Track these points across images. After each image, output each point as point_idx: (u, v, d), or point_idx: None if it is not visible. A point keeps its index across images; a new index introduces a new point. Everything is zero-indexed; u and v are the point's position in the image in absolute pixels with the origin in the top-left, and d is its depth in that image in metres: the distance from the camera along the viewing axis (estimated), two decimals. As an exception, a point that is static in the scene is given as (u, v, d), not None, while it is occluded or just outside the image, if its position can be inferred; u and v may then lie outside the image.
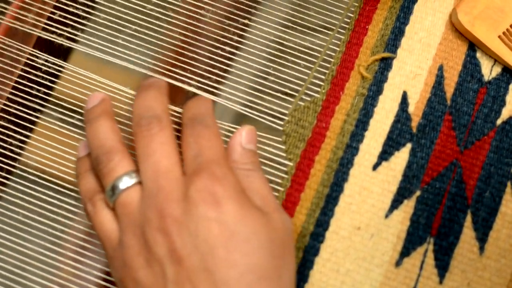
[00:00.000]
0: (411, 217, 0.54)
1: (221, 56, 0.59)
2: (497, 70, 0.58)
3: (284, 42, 0.59)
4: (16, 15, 0.59)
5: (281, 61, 0.59)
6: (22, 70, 0.58)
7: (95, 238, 0.52)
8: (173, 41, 0.59)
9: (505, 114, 0.57)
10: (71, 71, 0.58)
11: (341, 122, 0.56)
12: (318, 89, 0.57)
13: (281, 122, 0.56)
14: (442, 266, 0.53)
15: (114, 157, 0.48)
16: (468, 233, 0.54)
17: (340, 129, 0.56)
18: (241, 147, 0.50)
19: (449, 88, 0.57)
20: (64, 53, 0.59)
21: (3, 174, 0.57)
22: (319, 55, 0.58)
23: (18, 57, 0.59)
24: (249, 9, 0.60)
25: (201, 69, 0.58)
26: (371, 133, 0.56)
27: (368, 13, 0.59)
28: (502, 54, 0.57)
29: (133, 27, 0.59)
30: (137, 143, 0.48)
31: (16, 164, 0.57)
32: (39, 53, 0.59)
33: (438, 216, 0.54)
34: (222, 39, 0.59)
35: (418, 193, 0.55)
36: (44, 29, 0.59)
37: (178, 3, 0.60)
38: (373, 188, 0.55)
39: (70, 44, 0.59)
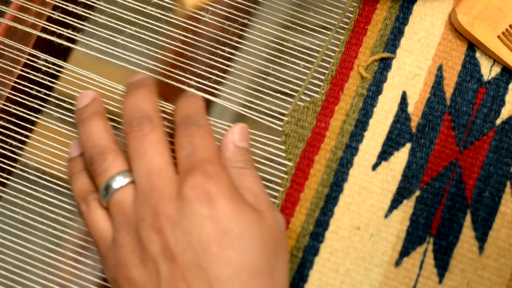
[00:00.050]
0: (411, 217, 0.54)
1: (221, 56, 0.59)
2: (496, 70, 0.58)
3: (284, 42, 0.59)
4: (16, 15, 0.59)
5: (280, 61, 0.59)
6: (21, 70, 0.58)
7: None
8: (172, 42, 0.59)
9: (504, 114, 0.57)
10: (70, 71, 0.58)
11: (341, 122, 0.56)
12: (318, 89, 0.57)
13: (281, 123, 0.56)
14: (442, 266, 0.53)
15: (108, 157, 0.49)
16: (467, 232, 0.54)
17: (340, 129, 0.56)
18: (233, 145, 0.51)
19: (449, 88, 0.57)
20: (64, 52, 0.60)
21: (3, 174, 0.57)
22: (318, 55, 0.58)
23: (17, 57, 0.59)
24: (249, 10, 0.60)
25: (200, 70, 0.58)
26: (370, 133, 0.56)
27: (367, 14, 0.59)
28: (501, 54, 0.57)
29: (133, 28, 0.59)
30: (129, 143, 0.48)
31: (16, 164, 0.57)
32: (38, 53, 0.59)
33: (438, 216, 0.54)
34: (221, 39, 0.59)
35: (417, 193, 0.55)
36: (43, 29, 0.59)
37: (178, 3, 0.60)
38: (372, 188, 0.55)
39: (70, 44, 0.59)
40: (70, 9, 0.60)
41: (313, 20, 0.60)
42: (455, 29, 0.59)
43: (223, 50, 0.59)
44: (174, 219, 0.45)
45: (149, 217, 0.45)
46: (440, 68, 0.58)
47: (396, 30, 0.59)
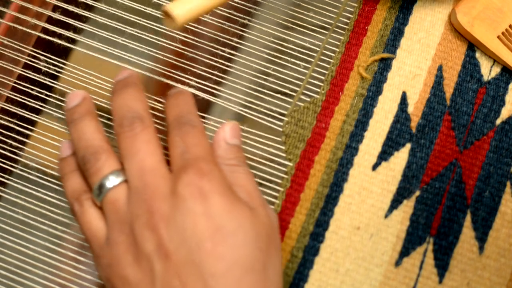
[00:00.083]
0: (411, 217, 0.54)
1: (221, 57, 0.59)
2: (496, 70, 0.58)
3: (284, 43, 0.59)
4: (16, 15, 0.59)
5: (280, 61, 0.59)
6: (22, 70, 0.58)
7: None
8: (173, 42, 0.59)
9: (504, 114, 0.57)
10: (71, 71, 0.58)
11: (341, 123, 0.56)
12: (318, 90, 0.57)
13: (281, 123, 0.56)
14: (442, 266, 0.53)
15: (101, 157, 0.49)
16: (467, 232, 0.54)
17: (340, 129, 0.56)
18: (225, 142, 0.51)
19: (449, 88, 0.57)
20: (64, 52, 0.60)
21: (4, 174, 0.57)
22: (319, 55, 0.58)
23: (18, 58, 0.59)
24: (249, 10, 0.60)
25: (200, 70, 0.58)
26: (370, 134, 0.56)
27: (367, 14, 0.59)
28: (501, 54, 0.57)
29: (133, 28, 0.59)
30: (121, 143, 0.48)
31: (16, 165, 0.57)
32: (39, 53, 0.59)
33: (438, 216, 0.54)
34: (221, 39, 0.59)
35: (417, 193, 0.55)
36: (43, 30, 0.59)
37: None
38: (372, 188, 0.55)
39: (70, 45, 0.59)
40: (70, 9, 0.60)
41: (313, 20, 0.60)
42: (455, 29, 0.59)
43: (223, 51, 0.59)
44: (168, 216, 0.45)
45: (143, 215, 0.46)
46: (440, 68, 0.58)
47: (396, 30, 0.59)
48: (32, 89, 0.58)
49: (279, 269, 0.48)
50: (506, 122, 0.57)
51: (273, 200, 0.55)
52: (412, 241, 0.54)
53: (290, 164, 0.55)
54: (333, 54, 0.58)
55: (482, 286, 0.53)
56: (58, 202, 0.55)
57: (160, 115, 0.55)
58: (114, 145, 0.50)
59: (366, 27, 0.59)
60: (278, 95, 0.58)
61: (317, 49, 0.59)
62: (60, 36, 0.59)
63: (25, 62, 0.59)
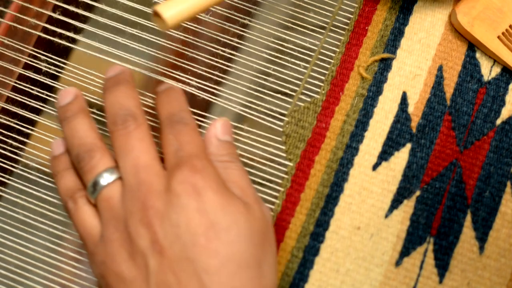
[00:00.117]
0: (411, 217, 0.54)
1: (221, 57, 0.59)
2: (496, 70, 0.58)
3: (284, 43, 0.59)
4: (16, 15, 0.59)
5: (280, 61, 0.59)
6: (22, 69, 0.58)
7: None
8: (173, 42, 0.59)
9: (504, 114, 0.57)
10: (71, 71, 0.58)
11: (341, 123, 0.56)
12: (318, 90, 0.57)
13: (281, 123, 0.56)
14: (442, 266, 0.53)
15: (96, 155, 0.49)
16: (468, 232, 0.54)
17: (340, 129, 0.56)
18: (217, 139, 0.51)
19: (449, 88, 0.57)
20: (64, 52, 0.60)
21: (4, 174, 0.57)
22: (319, 55, 0.58)
23: (18, 58, 0.59)
24: (249, 10, 0.60)
25: (201, 70, 0.58)
26: (371, 134, 0.56)
27: (367, 14, 0.59)
28: (502, 54, 0.57)
29: (134, 29, 0.59)
30: (115, 141, 0.49)
31: (17, 165, 0.57)
32: (39, 53, 0.59)
33: (438, 216, 0.54)
34: (222, 40, 0.59)
35: (418, 193, 0.55)
36: (44, 30, 0.59)
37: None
38: (373, 188, 0.55)
39: (70, 45, 0.59)
40: (71, 9, 0.60)
41: (313, 20, 0.60)
42: (455, 29, 0.59)
43: (224, 51, 0.59)
44: (162, 212, 0.45)
45: (138, 211, 0.46)
46: (440, 69, 0.58)
47: (396, 30, 0.59)
48: (32, 89, 0.58)
49: (273, 265, 0.48)
50: (506, 122, 0.57)
51: (273, 200, 0.55)
52: (412, 241, 0.54)
53: (291, 164, 0.55)
54: (333, 54, 0.58)
55: (482, 286, 0.53)
56: (59, 202, 0.55)
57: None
58: (107, 143, 0.50)
59: (367, 28, 0.59)
60: (278, 95, 0.58)
61: (317, 48, 0.58)
62: (60, 36, 0.59)
63: (25, 62, 0.59)
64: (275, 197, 0.55)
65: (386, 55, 0.58)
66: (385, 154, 0.55)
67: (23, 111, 0.58)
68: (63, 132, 0.51)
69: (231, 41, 0.59)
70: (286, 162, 0.56)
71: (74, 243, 0.56)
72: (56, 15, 0.60)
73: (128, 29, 0.59)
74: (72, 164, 0.51)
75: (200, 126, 0.55)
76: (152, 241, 0.45)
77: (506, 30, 0.58)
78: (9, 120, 0.58)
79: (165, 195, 0.46)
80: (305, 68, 0.58)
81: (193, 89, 0.57)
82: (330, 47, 0.59)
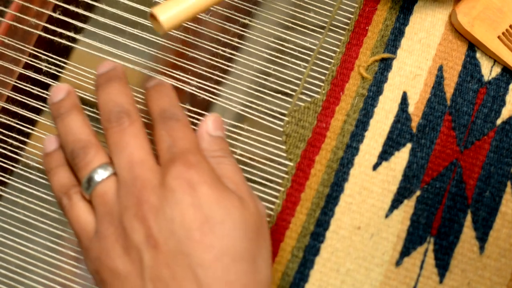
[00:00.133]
0: (411, 216, 0.54)
1: (221, 56, 0.59)
2: (496, 70, 0.58)
3: (284, 43, 0.59)
4: (17, 14, 0.59)
5: (281, 61, 0.59)
6: (23, 69, 0.58)
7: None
8: (173, 42, 0.59)
9: (505, 114, 0.57)
10: (72, 71, 0.58)
11: (341, 123, 0.56)
12: (318, 90, 0.57)
13: (282, 123, 0.56)
14: (442, 266, 0.53)
15: (90, 151, 0.49)
16: (468, 232, 0.54)
17: (340, 129, 0.56)
18: (208, 135, 0.51)
19: (449, 88, 0.57)
20: (65, 52, 0.60)
21: (4, 174, 0.57)
22: (319, 55, 0.58)
23: (18, 57, 0.59)
24: (249, 10, 0.60)
25: (201, 70, 0.58)
26: (371, 133, 0.56)
27: (368, 14, 0.60)
28: (502, 54, 0.57)
29: (134, 29, 0.59)
30: (109, 138, 0.49)
31: (17, 164, 0.57)
32: (40, 52, 0.59)
33: (438, 215, 0.54)
34: (222, 39, 0.59)
35: (418, 193, 0.55)
36: (44, 29, 0.59)
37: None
38: (373, 188, 0.55)
39: (70, 44, 0.59)
40: (71, 9, 0.60)
41: (313, 20, 0.60)
42: (456, 29, 0.59)
43: (224, 51, 0.59)
44: (157, 207, 0.46)
45: (133, 206, 0.46)
46: (440, 69, 0.58)
47: (397, 30, 0.59)
48: (33, 89, 0.58)
49: (268, 260, 0.48)
50: (507, 122, 0.57)
51: (273, 199, 0.55)
52: (412, 241, 0.54)
53: (291, 164, 0.55)
54: (333, 54, 0.58)
55: (482, 286, 0.53)
56: (59, 202, 0.55)
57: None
58: (101, 140, 0.50)
59: (367, 27, 0.59)
60: (279, 95, 0.58)
61: (318, 49, 0.59)
62: (61, 36, 0.59)
63: (26, 62, 0.59)
64: (276, 197, 0.55)
65: (386, 55, 0.58)
66: (385, 154, 0.56)
67: (24, 110, 0.58)
68: (57, 128, 0.51)
69: (231, 41, 0.59)
70: (287, 162, 0.56)
71: (74, 243, 0.56)
72: (56, 15, 0.60)
73: (129, 29, 0.59)
74: (66, 160, 0.51)
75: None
76: (147, 235, 0.45)
77: (506, 30, 0.58)
78: (9, 120, 0.58)
79: (160, 190, 0.46)
80: (306, 68, 0.58)
81: (193, 89, 0.57)
82: (331, 47, 0.59)
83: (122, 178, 0.47)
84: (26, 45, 0.59)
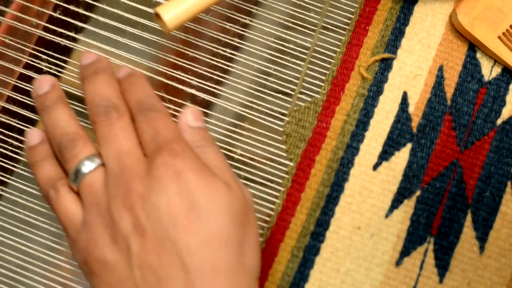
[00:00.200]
0: (411, 216, 0.54)
1: (222, 56, 0.59)
2: (497, 70, 0.58)
3: (284, 43, 0.59)
4: (17, 14, 0.59)
5: (281, 61, 0.59)
6: (23, 69, 0.58)
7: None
8: (174, 42, 0.59)
9: (505, 114, 0.57)
10: (72, 70, 0.58)
11: (342, 122, 0.56)
12: (319, 90, 0.57)
13: (282, 123, 0.56)
14: (442, 266, 0.53)
15: (79, 143, 0.49)
16: (468, 232, 0.54)
17: (341, 129, 0.56)
18: (189, 127, 0.51)
19: (449, 88, 0.57)
20: (65, 51, 0.60)
21: (5, 173, 0.57)
22: (319, 55, 0.58)
23: (18, 57, 0.59)
24: (249, 10, 0.60)
25: (201, 70, 0.58)
26: (371, 133, 0.56)
27: (368, 14, 0.60)
28: (502, 54, 0.57)
29: (134, 28, 0.59)
30: (97, 131, 0.49)
31: (17, 164, 0.58)
32: (40, 51, 0.59)
33: (438, 215, 0.54)
34: (222, 39, 0.59)
35: (418, 192, 0.55)
36: (45, 29, 0.59)
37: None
38: (373, 188, 0.55)
39: (71, 44, 0.59)
40: (72, 9, 0.60)
41: (313, 20, 0.60)
42: (456, 29, 0.59)
43: (224, 51, 0.59)
44: (144, 196, 0.46)
45: (120, 195, 0.46)
46: (440, 69, 0.58)
47: (397, 30, 0.59)
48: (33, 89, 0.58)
49: (255, 246, 0.48)
50: (507, 122, 0.57)
51: (274, 199, 0.55)
52: (412, 241, 0.54)
53: (291, 163, 0.55)
54: (334, 54, 0.58)
55: (482, 286, 0.53)
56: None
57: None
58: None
59: (367, 28, 0.59)
60: (279, 95, 0.58)
61: (318, 49, 0.59)
62: (61, 36, 0.59)
63: (26, 62, 0.59)
64: (276, 196, 0.55)
65: (386, 55, 0.58)
66: (385, 154, 0.56)
67: (24, 110, 0.58)
68: (43, 121, 0.51)
69: (231, 41, 0.59)
70: (287, 162, 0.56)
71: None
72: (56, 15, 0.60)
73: (129, 29, 0.59)
74: (50, 154, 0.51)
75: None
76: (134, 224, 0.45)
77: (507, 30, 0.58)
78: (9, 120, 0.58)
79: (147, 180, 0.46)
80: (306, 68, 0.58)
81: (193, 89, 0.57)
82: (331, 47, 0.59)
83: (110, 169, 0.47)
84: (27, 45, 0.59)
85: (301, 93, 0.57)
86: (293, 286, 0.53)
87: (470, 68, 0.58)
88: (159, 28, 0.58)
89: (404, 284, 0.53)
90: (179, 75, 0.58)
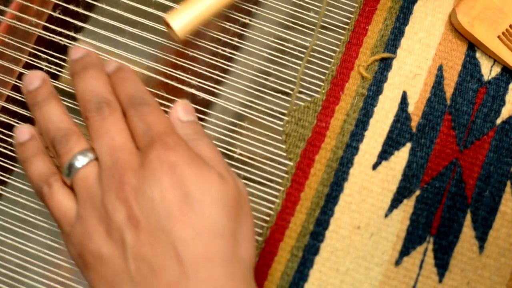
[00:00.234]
0: (411, 216, 0.54)
1: (222, 56, 0.59)
2: (496, 70, 0.58)
3: (284, 42, 0.59)
4: (17, 13, 0.59)
5: (281, 61, 0.59)
6: (23, 68, 0.58)
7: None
8: (173, 42, 0.59)
9: (504, 113, 0.57)
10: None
11: (341, 122, 0.56)
12: (318, 89, 0.57)
13: (281, 122, 0.56)
14: (442, 265, 0.53)
15: (72, 138, 0.50)
16: (467, 232, 0.54)
17: (340, 128, 0.56)
18: (180, 121, 0.51)
19: (449, 88, 0.57)
20: (65, 50, 0.60)
21: (4, 173, 0.57)
22: (319, 55, 0.58)
23: (18, 57, 0.59)
24: (249, 10, 0.60)
25: (201, 69, 0.58)
26: (371, 133, 0.56)
27: (368, 14, 0.60)
28: (502, 54, 0.57)
29: (134, 28, 0.59)
30: (90, 126, 0.49)
31: (17, 164, 0.58)
32: (40, 51, 0.59)
33: (438, 215, 0.54)
34: (222, 39, 0.59)
35: (417, 192, 0.55)
36: (44, 28, 0.59)
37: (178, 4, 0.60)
38: (373, 187, 0.55)
39: (71, 43, 0.59)
40: (71, 8, 0.60)
41: (313, 20, 0.60)
42: (455, 29, 0.59)
43: (224, 50, 0.59)
44: (137, 188, 0.46)
45: (114, 188, 0.46)
46: (440, 68, 0.58)
47: (397, 30, 0.59)
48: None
49: (250, 237, 0.48)
50: (507, 121, 0.57)
51: (273, 199, 0.55)
52: (412, 241, 0.54)
53: (291, 163, 0.55)
54: (333, 54, 0.58)
55: (482, 286, 0.53)
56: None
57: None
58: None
59: (367, 27, 0.59)
60: (279, 95, 0.58)
61: (318, 48, 0.59)
62: (61, 35, 0.59)
63: (26, 61, 0.59)
64: (275, 196, 0.55)
65: (386, 54, 0.58)
66: (385, 154, 0.56)
67: (24, 110, 0.58)
68: (34, 116, 0.51)
69: (231, 41, 0.59)
70: (286, 162, 0.56)
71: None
72: (56, 14, 0.60)
73: (129, 29, 0.59)
74: (41, 149, 0.51)
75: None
76: (128, 216, 0.46)
77: (506, 30, 0.58)
78: (9, 119, 0.58)
79: (140, 172, 0.47)
80: (306, 67, 0.58)
81: (193, 89, 0.57)
82: (331, 47, 0.59)
83: (103, 162, 0.48)
84: (26, 44, 0.59)
85: (300, 92, 0.57)
86: (292, 286, 0.53)
87: (470, 67, 0.58)
88: (159, 28, 0.58)
89: (403, 283, 0.53)
90: (179, 74, 0.58)
